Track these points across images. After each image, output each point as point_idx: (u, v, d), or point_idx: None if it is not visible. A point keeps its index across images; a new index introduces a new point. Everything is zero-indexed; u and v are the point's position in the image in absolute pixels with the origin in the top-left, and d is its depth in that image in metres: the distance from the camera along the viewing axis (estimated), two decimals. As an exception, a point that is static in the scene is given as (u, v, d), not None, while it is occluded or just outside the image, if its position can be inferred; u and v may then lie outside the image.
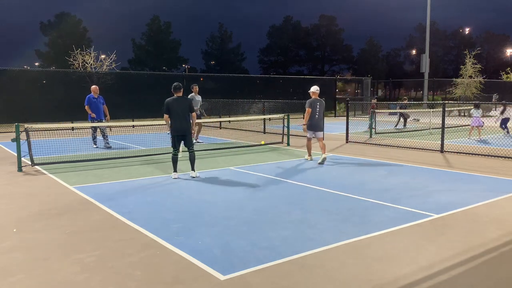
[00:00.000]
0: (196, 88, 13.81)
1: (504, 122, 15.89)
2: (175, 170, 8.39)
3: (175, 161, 8.39)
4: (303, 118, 10.31)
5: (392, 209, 6.11)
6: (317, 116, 10.11)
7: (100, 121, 12.67)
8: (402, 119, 19.74)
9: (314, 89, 10.20)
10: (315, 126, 10.16)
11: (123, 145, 13.61)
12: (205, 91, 27.16)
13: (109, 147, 12.72)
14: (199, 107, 13.78)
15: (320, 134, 10.26)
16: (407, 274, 3.95)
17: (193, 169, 8.45)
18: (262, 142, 11.92)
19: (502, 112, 15.85)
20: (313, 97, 10.14)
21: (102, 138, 13.04)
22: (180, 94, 8.29)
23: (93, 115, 12.39)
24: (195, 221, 5.55)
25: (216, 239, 4.89)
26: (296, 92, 32.54)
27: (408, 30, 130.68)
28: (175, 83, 8.32)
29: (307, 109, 10.02)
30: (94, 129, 12.99)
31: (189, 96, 13.88)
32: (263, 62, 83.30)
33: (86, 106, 12.49)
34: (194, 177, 8.29)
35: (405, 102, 21.24)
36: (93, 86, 12.78)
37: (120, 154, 11.23)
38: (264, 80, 38.11)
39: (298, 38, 79.89)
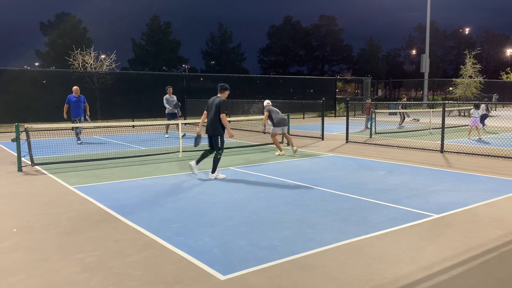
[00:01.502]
0: (170, 89, 15.65)
1: (482, 118, 16.34)
2: (213, 171, 8.21)
3: (215, 161, 8.18)
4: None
5: (392, 209, 6.11)
6: (280, 115, 11.55)
7: (79, 118, 13.70)
8: (401, 118, 19.81)
9: (266, 102, 11.88)
10: (282, 123, 11.49)
11: (123, 145, 13.61)
12: (205, 91, 27.25)
13: (80, 143, 13.67)
14: (172, 107, 15.52)
15: (285, 129, 11.78)
16: (407, 274, 3.95)
17: (213, 171, 8.23)
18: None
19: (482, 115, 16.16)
20: (268, 107, 11.61)
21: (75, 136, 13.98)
22: (221, 94, 8.31)
23: (65, 116, 13.62)
24: (195, 221, 5.55)
25: (216, 239, 4.89)
26: (296, 92, 32.47)
27: (408, 30, 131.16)
28: (220, 83, 8.39)
29: (265, 113, 11.52)
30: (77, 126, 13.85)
31: (164, 97, 15.37)
32: (263, 62, 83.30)
33: (65, 105, 13.51)
34: (210, 179, 8.17)
35: (404, 102, 21.22)
36: (74, 87, 13.83)
37: (120, 154, 11.23)
38: (264, 80, 38.04)
39: (298, 38, 79.82)
